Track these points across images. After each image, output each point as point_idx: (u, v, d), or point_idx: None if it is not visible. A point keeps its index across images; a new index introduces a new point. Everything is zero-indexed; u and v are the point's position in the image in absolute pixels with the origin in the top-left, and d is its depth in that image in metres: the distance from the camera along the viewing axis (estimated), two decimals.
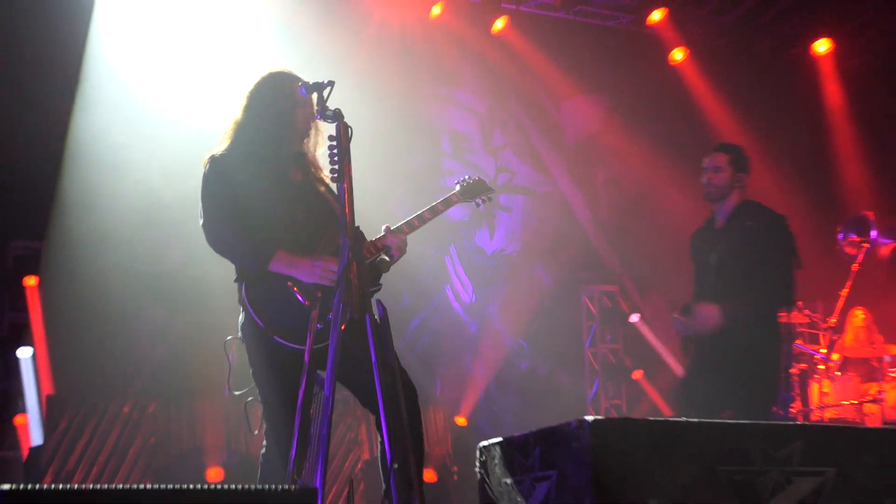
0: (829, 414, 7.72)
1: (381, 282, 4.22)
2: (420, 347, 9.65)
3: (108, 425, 7.22)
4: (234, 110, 4.30)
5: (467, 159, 10.42)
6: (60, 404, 7.20)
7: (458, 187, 4.72)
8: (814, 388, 7.87)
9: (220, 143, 4.26)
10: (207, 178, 4.13)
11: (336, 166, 3.68)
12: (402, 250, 4.27)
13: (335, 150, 3.70)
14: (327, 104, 3.81)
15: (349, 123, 3.75)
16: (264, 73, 4.30)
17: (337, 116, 3.74)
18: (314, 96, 3.83)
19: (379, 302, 3.81)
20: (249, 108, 4.25)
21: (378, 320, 3.74)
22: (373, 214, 4.72)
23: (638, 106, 10.12)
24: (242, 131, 4.22)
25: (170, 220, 7.85)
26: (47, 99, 7.89)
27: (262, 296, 4.03)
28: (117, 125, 8.01)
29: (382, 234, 4.26)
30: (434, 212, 4.49)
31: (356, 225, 3.91)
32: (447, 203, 4.58)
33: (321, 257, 4.00)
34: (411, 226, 4.37)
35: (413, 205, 9.99)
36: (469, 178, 4.77)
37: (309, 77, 4.01)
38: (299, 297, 4.00)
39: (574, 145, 10.82)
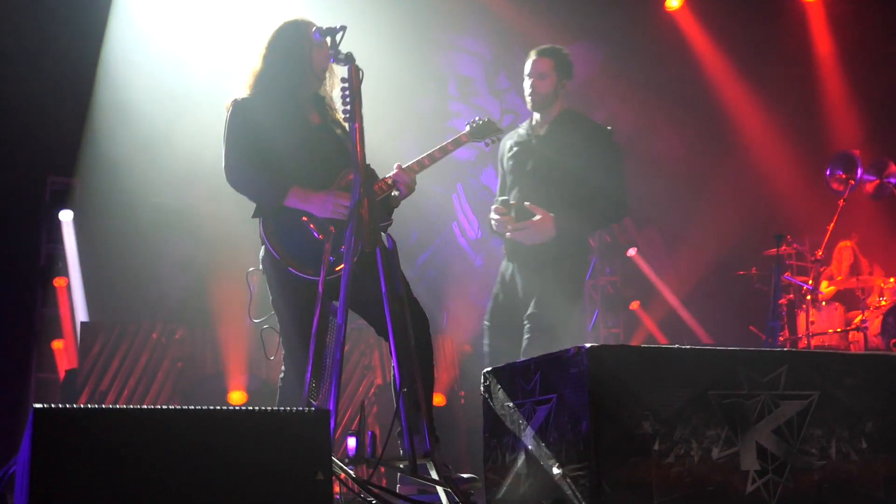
0: (815, 342, 7.74)
1: (392, 217, 4.19)
2: (428, 280, 9.65)
3: (138, 349, 7.27)
4: (253, 60, 4.25)
5: (473, 102, 10.32)
6: (94, 330, 7.24)
7: (467, 128, 4.63)
8: (801, 318, 7.88)
9: (241, 90, 4.21)
10: (230, 121, 4.10)
11: (348, 107, 3.66)
12: (410, 188, 4.21)
13: (347, 92, 3.68)
14: (339, 48, 3.76)
15: (360, 67, 3.71)
16: (281, 22, 4.23)
17: (349, 59, 3.72)
18: (328, 40, 3.79)
19: (389, 236, 3.79)
20: (268, 56, 4.19)
21: (388, 253, 3.73)
22: (384, 154, 4.67)
23: (634, 52, 9.99)
24: (262, 78, 4.17)
25: (193, 155, 7.81)
26: (76, 32, 7.82)
27: (279, 230, 4.02)
28: (146, 62, 7.93)
29: (394, 170, 4.21)
30: (444, 151, 4.42)
31: (367, 163, 3.88)
32: (456, 143, 4.51)
33: (333, 192, 3.98)
34: (421, 164, 4.31)
35: (422, 145, 9.93)
36: (479, 118, 4.67)
37: (322, 24, 3.95)
38: (313, 231, 3.99)
39: (576, 86, 10.70)
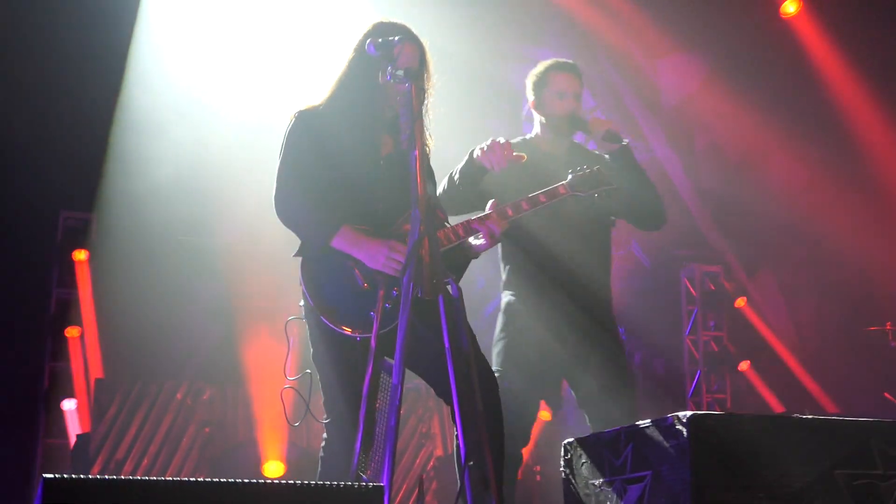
0: None
1: (464, 269, 4.18)
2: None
3: (160, 412, 7.37)
4: (333, 62, 4.29)
5: None
6: (110, 388, 7.36)
7: (569, 177, 4.55)
8: None
9: (313, 97, 4.24)
10: (289, 136, 4.14)
11: (407, 132, 3.69)
12: (495, 238, 4.18)
13: (405, 116, 3.71)
14: (397, 63, 3.81)
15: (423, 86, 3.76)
16: (374, 21, 4.25)
17: (408, 77, 3.74)
18: (382, 54, 3.85)
19: (452, 281, 3.79)
20: (355, 61, 4.21)
21: (452, 301, 3.74)
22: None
23: (743, 64, 9.92)
24: (344, 87, 4.20)
25: (229, 191, 7.95)
26: (97, 66, 8.03)
27: (319, 273, 4.04)
28: (170, 91, 8.12)
29: (486, 212, 4.19)
30: (532, 202, 4.38)
31: (434, 195, 3.91)
32: (551, 195, 4.45)
33: (388, 242, 3.97)
34: (518, 208, 4.27)
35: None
36: (585, 167, 4.58)
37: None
38: (358, 279, 4.01)
39: (672, 108, 10.67)
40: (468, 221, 4.18)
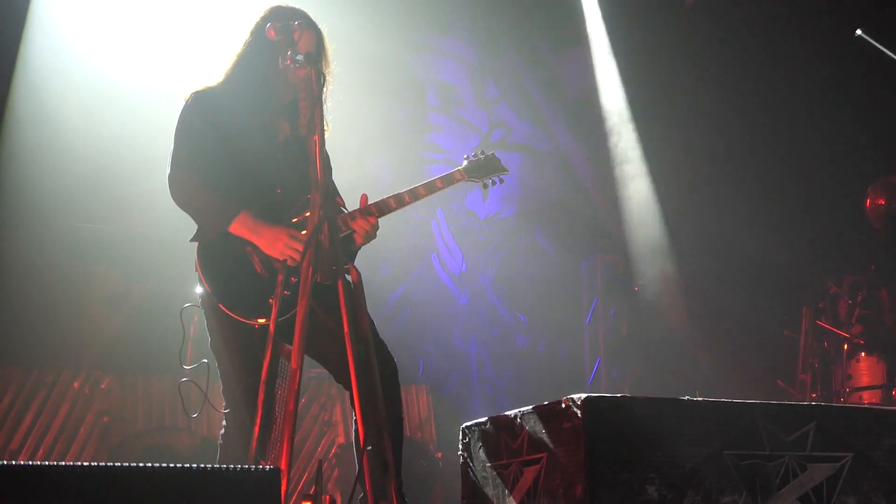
0: (851, 399, 7.75)
1: (351, 257, 4.14)
2: (402, 322, 9.63)
3: (56, 401, 7.20)
4: (229, 42, 4.22)
5: (456, 113, 10.37)
6: (4, 377, 7.17)
7: (465, 163, 4.53)
8: (837, 371, 7.91)
9: (208, 77, 4.18)
10: (184, 117, 4.07)
11: (307, 117, 3.67)
12: (368, 237, 4.13)
13: (305, 101, 3.69)
14: (297, 48, 3.78)
15: (323, 71, 3.73)
16: (269, 6, 4.21)
17: (308, 62, 3.72)
18: (282, 38, 3.82)
19: (352, 266, 3.78)
20: (253, 42, 4.16)
21: (351, 287, 3.72)
22: (352, 172, 4.67)
23: (642, 56, 10.07)
24: (241, 69, 4.15)
25: (128, 177, 7.80)
26: None
27: (215, 258, 3.99)
28: (68, 71, 7.94)
29: (357, 208, 4.15)
30: (430, 188, 4.31)
31: (331, 181, 3.88)
32: (448, 180, 4.41)
33: (287, 231, 3.94)
34: (396, 201, 4.20)
35: (396, 161, 9.98)
36: (481, 153, 4.58)
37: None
38: (256, 265, 3.96)
39: (575, 98, 10.77)
40: (347, 215, 4.13)
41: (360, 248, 4.20)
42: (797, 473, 2.96)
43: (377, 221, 4.16)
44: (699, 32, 10.11)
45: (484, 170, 4.57)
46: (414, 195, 4.26)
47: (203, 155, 4.00)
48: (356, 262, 4.05)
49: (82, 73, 7.98)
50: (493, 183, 4.62)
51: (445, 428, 8.11)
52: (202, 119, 4.04)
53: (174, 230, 4.84)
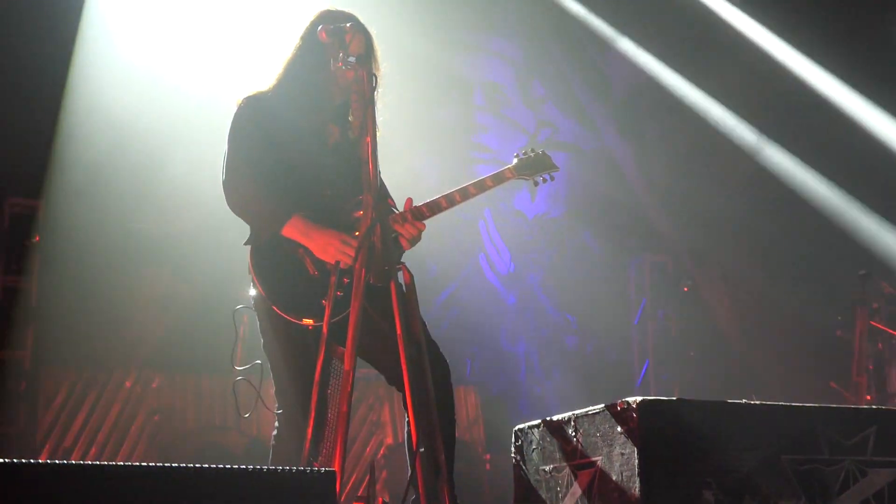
0: None
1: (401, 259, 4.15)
2: (450, 322, 9.64)
3: (108, 400, 7.29)
4: (284, 48, 4.24)
5: (503, 113, 10.36)
6: (57, 376, 7.26)
7: (514, 160, 4.49)
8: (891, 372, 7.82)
9: (259, 83, 4.20)
10: (237, 123, 4.10)
11: (359, 118, 3.68)
12: (413, 242, 4.13)
13: (357, 102, 3.69)
14: (349, 50, 3.79)
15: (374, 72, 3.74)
16: (319, 11, 4.21)
17: (359, 64, 3.72)
18: (334, 41, 3.83)
19: (404, 266, 3.78)
20: (303, 48, 4.18)
21: (403, 288, 3.73)
22: (396, 176, 4.66)
23: (693, 52, 9.98)
24: (292, 74, 4.17)
25: (179, 178, 7.87)
26: (46, 45, 7.91)
27: (269, 261, 4.01)
28: (121, 76, 8.03)
29: (402, 210, 4.14)
30: (480, 187, 4.29)
31: (382, 182, 3.89)
32: (498, 178, 4.37)
33: (339, 234, 3.94)
34: (448, 202, 4.20)
35: (442, 163, 9.98)
36: (531, 150, 4.55)
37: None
38: (308, 267, 3.98)
39: (622, 97, 10.72)
40: (396, 216, 4.12)
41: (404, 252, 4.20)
42: (857, 478, 2.92)
43: (425, 226, 4.17)
44: None
45: (534, 167, 4.55)
46: (465, 194, 4.24)
47: (256, 160, 4.03)
48: (408, 261, 4.05)
49: (135, 75, 8.07)
50: (544, 180, 4.59)
51: (493, 429, 8.09)
52: (254, 124, 4.07)
53: (223, 231, 4.89)
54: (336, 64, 3.86)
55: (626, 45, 10.12)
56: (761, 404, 2.95)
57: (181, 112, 7.97)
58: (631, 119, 10.68)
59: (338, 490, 3.05)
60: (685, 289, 10.13)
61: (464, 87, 10.20)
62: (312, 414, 3.61)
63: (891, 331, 7.97)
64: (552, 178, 4.62)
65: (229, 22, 8.14)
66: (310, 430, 3.61)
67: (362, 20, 4.21)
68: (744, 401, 2.95)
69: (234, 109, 4.13)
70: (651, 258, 10.35)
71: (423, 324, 3.90)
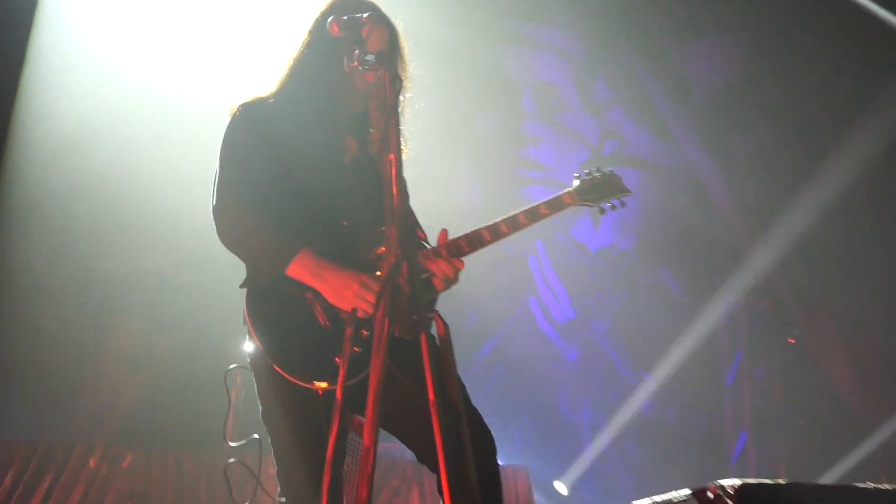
0: None
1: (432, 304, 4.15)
2: (494, 384, 9.65)
3: (68, 482, 7.31)
4: (288, 44, 4.27)
5: (558, 121, 10.41)
6: (5, 453, 7.31)
7: (575, 182, 4.48)
8: None
9: (259, 86, 4.24)
10: (231, 136, 4.12)
11: (380, 131, 3.69)
12: (448, 284, 4.13)
13: (378, 110, 3.70)
14: (367, 47, 3.81)
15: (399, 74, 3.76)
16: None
17: (381, 63, 3.73)
18: (349, 35, 3.84)
19: (437, 314, 3.78)
20: (312, 46, 4.22)
21: (436, 342, 3.73)
22: (428, 202, 4.68)
23: (795, 47, 10.00)
24: (299, 75, 4.21)
25: (154, 203, 7.93)
26: None
27: (269, 308, 4.01)
28: (79, 90, 8.12)
29: (435, 245, 4.15)
30: (533, 216, 4.27)
31: (409, 210, 3.90)
32: (556, 205, 4.36)
33: (358, 275, 3.94)
34: (478, 240, 4.17)
35: (483, 186, 10.04)
36: (596, 170, 4.52)
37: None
38: (318, 316, 3.99)
39: (706, 101, 10.75)
40: (427, 252, 4.12)
41: (438, 295, 4.20)
42: None
43: (463, 264, 4.17)
44: None
45: (601, 191, 4.53)
46: (513, 224, 4.23)
47: (254, 182, 4.04)
48: (441, 306, 4.05)
49: (94, 91, 8.14)
50: (613, 207, 4.58)
51: None
52: (253, 138, 4.08)
53: (210, 271, 4.91)
54: (351, 63, 3.87)
55: (711, 37, 10.16)
56: (884, 489, 2.93)
57: (156, 121, 8.05)
58: (717, 127, 10.69)
59: None
60: (791, 340, 10.10)
61: (510, 89, 10.26)
62: (324, 500, 3.61)
63: None
64: (623, 205, 4.62)
65: (211, 11, 8.20)
66: None
67: (384, 9, 4.24)
68: (870, 485, 2.93)
69: (228, 119, 4.15)
70: (747, 302, 10.34)
71: (462, 386, 3.90)
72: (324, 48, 4.13)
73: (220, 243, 4.08)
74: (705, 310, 10.35)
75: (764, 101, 10.17)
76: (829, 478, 9.53)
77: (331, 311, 3.97)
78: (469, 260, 4.21)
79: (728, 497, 2.79)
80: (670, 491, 3.10)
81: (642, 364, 10.20)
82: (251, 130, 4.10)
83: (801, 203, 10.04)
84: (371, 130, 4.19)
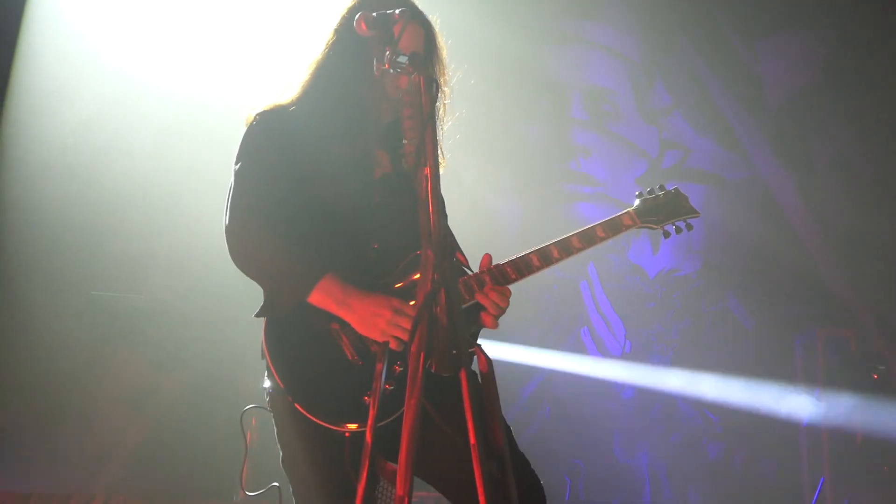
0: None
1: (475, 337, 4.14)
2: (539, 425, 9.63)
3: None
4: (311, 46, 4.28)
5: (612, 129, 10.40)
6: None
7: (636, 201, 4.52)
8: None
9: (278, 92, 4.24)
10: (248, 147, 4.12)
11: (414, 143, 3.69)
12: (499, 313, 4.12)
13: (412, 119, 3.70)
14: (399, 47, 3.81)
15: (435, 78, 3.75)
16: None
17: (415, 65, 3.72)
18: (378, 34, 3.85)
19: (479, 349, 3.77)
20: (337, 47, 4.23)
21: (478, 380, 3.72)
22: (469, 222, 4.69)
23: (881, 44, 9.97)
24: (323, 81, 4.21)
25: (158, 224, 7.96)
26: None
27: (291, 340, 4.01)
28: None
29: (478, 271, 4.15)
30: (588, 239, 4.31)
31: (448, 231, 3.89)
32: (614, 227, 4.39)
33: (390, 302, 3.94)
34: (526, 266, 4.19)
35: (528, 203, 10.05)
36: (659, 189, 4.56)
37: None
38: (346, 350, 3.99)
39: (780, 107, 10.72)
40: (469, 278, 4.12)
41: (482, 328, 4.19)
42: None
43: (510, 292, 4.16)
44: None
45: (665, 212, 4.53)
46: (566, 249, 4.25)
47: (274, 198, 4.04)
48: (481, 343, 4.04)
49: (90, 91, 8.21)
50: (678, 230, 4.57)
51: None
52: (272, 150, 4.09)
53: (223, 298, 4.91)
54: (381, 66, 3.85)
55: (785, 33, 10.15)
56: None
57: (159, 132, 8.08)
58: (792, 136, 10.66)
59: None
60: (874, 376, 10.04)
61: (557, 94, 10.26)
62: None
63: None
64: (689, 227, 4.61)
65: (221, 12, 8.26)
66: None
67: (419, 4, 4.24)
68: None
69: (244, 129, 4.17)
70: (826, 333, 10.28)
71: (508, 428, 3.90)
72: (351, 49, 4.13)
73: (233, 266, 4.08)
74: (778, 342, 10.32)
75: (846, 107, 10.15)
76: None
77: (359, 343, 3.97)
78: (513, 287, 4.20)
79: None
80: None
81: (707, 404, 10.16)
82: (270, 142, 4.10)
83: (888, 221, 10.01)
84: (404, 142, 4.18)
